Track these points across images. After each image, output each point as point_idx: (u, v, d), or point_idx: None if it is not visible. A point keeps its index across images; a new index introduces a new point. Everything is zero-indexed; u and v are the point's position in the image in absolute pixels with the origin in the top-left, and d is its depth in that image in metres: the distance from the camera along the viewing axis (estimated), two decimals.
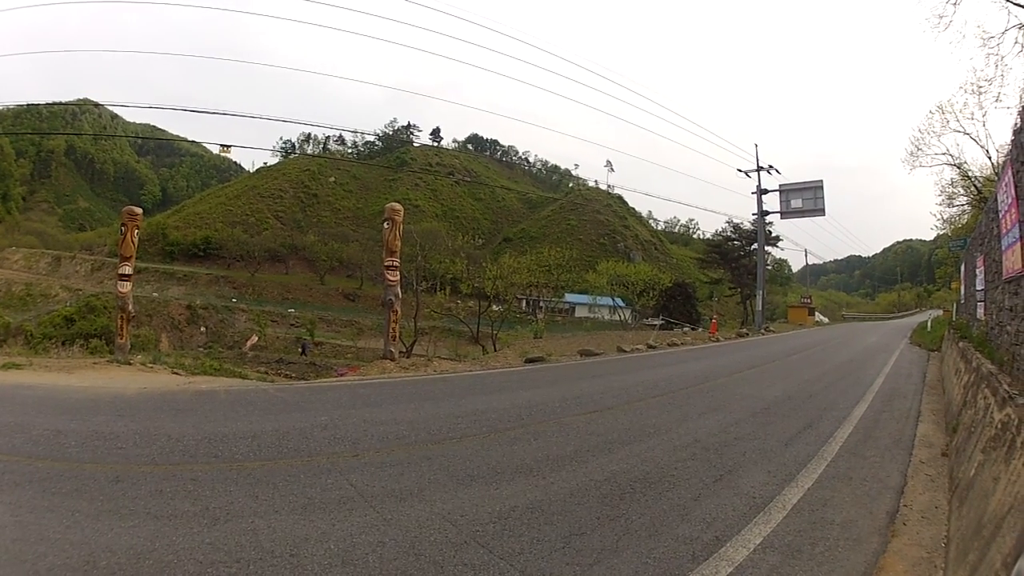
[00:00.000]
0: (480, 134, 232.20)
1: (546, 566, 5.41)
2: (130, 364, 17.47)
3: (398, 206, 21.79)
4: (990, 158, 40.20)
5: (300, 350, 65.51)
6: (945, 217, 50.35)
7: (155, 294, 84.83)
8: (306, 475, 7.62)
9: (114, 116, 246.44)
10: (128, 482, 7.10)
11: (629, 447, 9.68)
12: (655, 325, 55.15)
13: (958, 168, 44.44)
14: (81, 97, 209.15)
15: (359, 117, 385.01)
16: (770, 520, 6.74)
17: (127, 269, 19.30)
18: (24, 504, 6.40)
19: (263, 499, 6.72)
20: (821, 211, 56.77)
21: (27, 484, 6.98)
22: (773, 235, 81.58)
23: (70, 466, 7.67)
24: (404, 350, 27.24)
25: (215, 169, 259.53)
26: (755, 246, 72.00)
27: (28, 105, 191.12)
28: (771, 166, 58.10)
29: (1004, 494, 4.75)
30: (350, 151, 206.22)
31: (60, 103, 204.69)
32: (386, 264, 20.83)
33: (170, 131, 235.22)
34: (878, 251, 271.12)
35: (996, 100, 39.30)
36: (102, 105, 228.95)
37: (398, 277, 21.10)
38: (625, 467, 8.53)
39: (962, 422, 10.15)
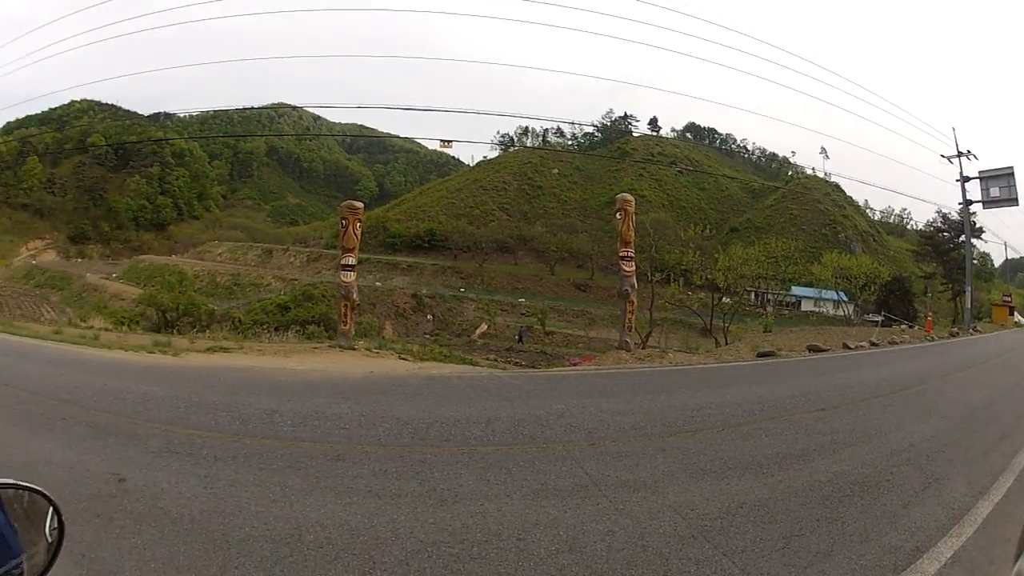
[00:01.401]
0: (697, 122, 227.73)
1: (765, 565, 5.47)
2: (354, 349, 18.23)
3: (629, 197, 21.98)
4: None
5: (517, 337, 66.70)
6: None
7: (378, 283, 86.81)
8: (540, 462, 7.80)
9: (316, 118, 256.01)
10: (349, 461, 7.42)
11: (851, 449, 9.69)
12: (876, 321, 53.29)
13: None
14: (276, 101, 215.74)
15: (574, 109, 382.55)
16: (962, 533, 6.62)
17: (351, 260, 20.03)
18: (223, 478, 6.73)
19: (494, 483, 6.91)
20: (1015, 200, 53.45)
21: (229, 459, 7.35)
22: (977, 226, 78.54)
23: (283, 444, 8.08)
24: (639, 341, 27.33)
25: (432, 164, 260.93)
26: (962, 238, 69.57)
27: (215, 111, 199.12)
28: (969, 151, 55.56)
29: None
30: (570, 143, 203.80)
31: (252, 108, 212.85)
32: (621, 255, 20.97)
33: (379, 129, 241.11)
34: None
35: None
36: (300, 107, 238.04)
37: (634, 268, 21.20)
38: (846, 468, 8.52)
39: None
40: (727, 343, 32.28)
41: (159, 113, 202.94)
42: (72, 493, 6.25)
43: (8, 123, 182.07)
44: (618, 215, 21.18)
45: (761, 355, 21.77)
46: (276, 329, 31.13)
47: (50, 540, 2.18)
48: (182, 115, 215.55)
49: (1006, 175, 53.65)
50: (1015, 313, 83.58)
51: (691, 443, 9.15)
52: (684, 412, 11.30)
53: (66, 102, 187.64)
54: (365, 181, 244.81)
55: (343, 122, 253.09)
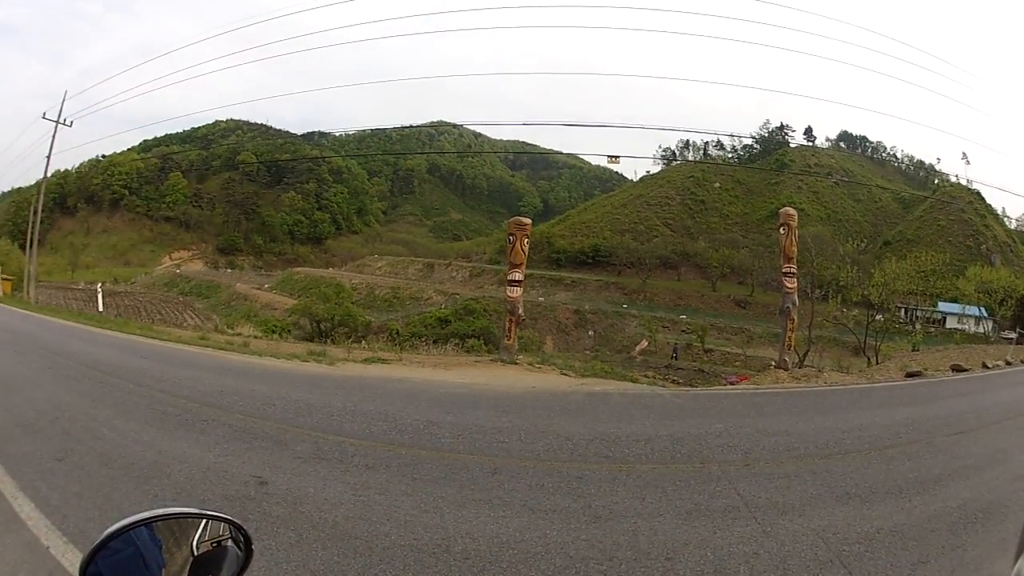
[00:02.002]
0: (849, 131, 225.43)
1: None
2: (516, 364, 18.41)
3: (792, 211, 21.99)
4: None
5: (672, 354, 66.28)
6: None
7: (541, 298, 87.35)
8: (696, 481, 7.88)
9: (477, 135, 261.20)
10: (506, 474, 7.55)
11: (981, 473, 9.59)
12: (1011, 339, 52.02)
13: None
14: (435, 119, 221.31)
15: (732, 120, 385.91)
16: None
17: (517, 275, 20.43)
18: (373, 486, 6.91)
19: (649, 501, 6.99)
20: None
21: (382, 468, 7.54)
22: None
23: (439, 455, 8.27)
24: (797, 360, 27.29)
25: (596, 180, 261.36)
26: None
27: (373, 130, 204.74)
28: None
29: None
30: (729, 155, 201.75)
31: (411, 126, 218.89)
32: (783, 271, 21.08)
33: (541, 145, 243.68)
34: None
35: None
36: (461, 125, 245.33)
37: (795, 285, 21.23)
38: (975, 495, 8.39)
39: None
40: (878, 362, 31.82)
41: (313, 132, 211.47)
42: (207, 493, 6.54)
43: (146, 141, 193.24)
44: (781, 230, 21.28)
45: (909, 375, 21.53)
46: (435, 342, 31.78)
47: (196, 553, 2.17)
48: (338, 134, 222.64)
49: None
50: None
51: (840, 465, 9.14)
52: (836, 434, 11.28)
53: (210, 122, 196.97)
54: (529, 197, 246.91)
55: (505, 139, 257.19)
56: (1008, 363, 28.06)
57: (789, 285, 20.54)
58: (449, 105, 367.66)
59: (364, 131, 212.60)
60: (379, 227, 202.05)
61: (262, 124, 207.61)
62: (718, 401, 15.16)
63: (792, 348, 22.03)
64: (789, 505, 7.22)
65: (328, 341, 32.05)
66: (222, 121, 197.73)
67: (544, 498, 6.78)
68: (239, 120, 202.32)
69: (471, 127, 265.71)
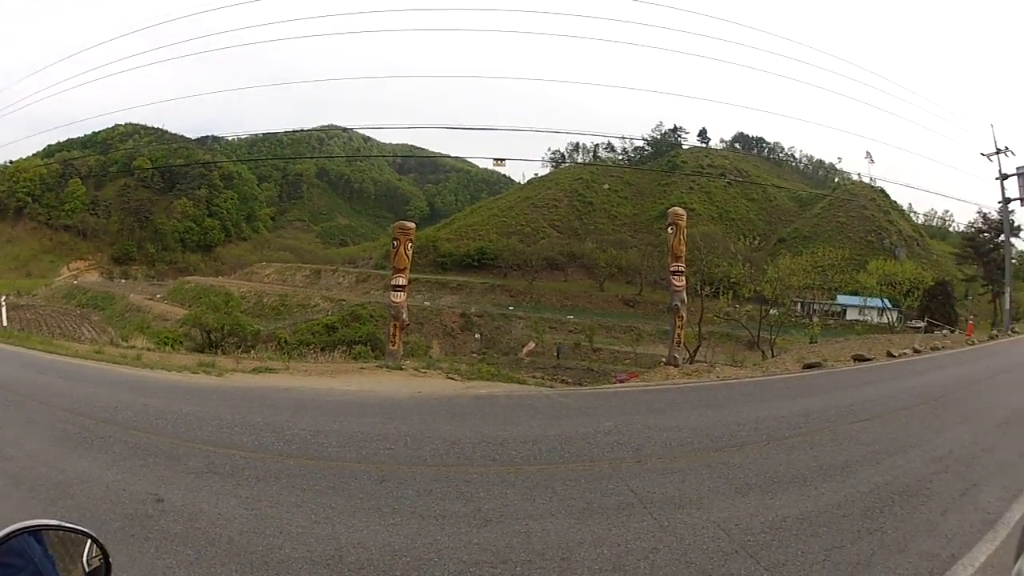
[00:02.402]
0: (745, 132, 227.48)
1: None
2: (401, 369, 18.16)
3: (681, 211, 22.02)
4: None
5: (556, 353, 67.03)
6: None
7: (427, 303, 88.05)
8: (587, 480, 7.87)
9: (367, 139, 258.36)
10: (394, 482, 7.48)
11: (893, 458, 9.73)
12: (919, 328, 53.65)
13: None
14: (326, 124, 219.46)
15: (624, 123, 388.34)
16: (996, 537, 6.66)
17: (401, 280, 20.12)
18: (265, 498, 6.84)
19: (539, 502, 6.98)
20: None
21: (272, 480, 7.46)
22: (1016, 224, 77.91)
23: (328, 464, 8.16)
24: (687, 356, 27.35)
25: (484, 183, 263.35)
26: (1002, 237, 69.06)
27: (264, 134, 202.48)
28: (1007, 148, 54.91)
29: None
30: (620, 157, 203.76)
31: (302, 130, 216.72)
32: (671, 269, 21.04)
33: (429, 149, 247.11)
34: None
35: None
36: (350, 129, 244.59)
37: (684, 282, 21.25)
38: (888, 479, 8.58)
39: None
40: (773, 355, 32.23)
41: (207, 136, 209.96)
42: (108, 513, 6.40)
43: (49, 146, 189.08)
44: (670, 229, 21.22)
45: (807, 367, 21.73)
46: (322, 349, 31.52)
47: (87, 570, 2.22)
48: (230, 138, 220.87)
49: None
50: None
51: (736, 458, 9.23)
52: (730, 427, 11.34)
53: (110, 126, 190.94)
54: (416, 201, 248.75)
55: (394, 143, 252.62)
56: (916, 351, 28.60)
57: (677, 283, 20.66)
58: (339, 109, 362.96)
59: (256, 135, 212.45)
60: (267, 233, 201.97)
61: (158, 128, 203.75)
62: (606, 399, 15.22)
63: (682, 344, 22.27)
64: (686, 499, 7.31)
65: (218, 351, 31.61)
66: (121, 125, 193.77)
67: (433, 504, 6.79)
68: (137, 124, 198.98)
69: (361, 131, 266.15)
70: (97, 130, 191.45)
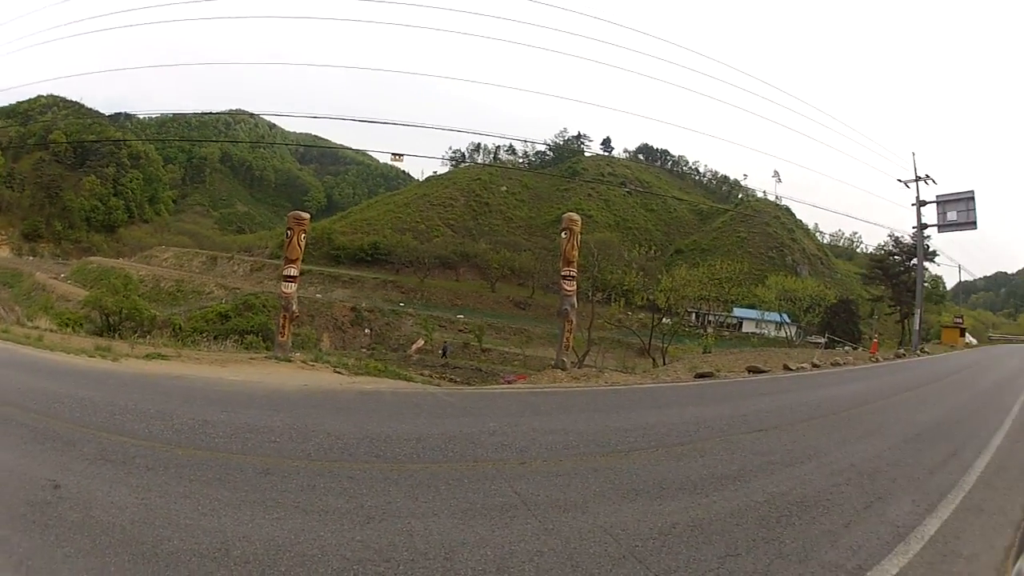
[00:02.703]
0: (650, 143, 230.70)
1: None
2: (290, 361, 18.05)
3: (576, 216, 21.94)
4: None
5: (442, 352, 66.93)
6: None
7: (319, 295, 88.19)
8: (470, 480, 7.72)
9: (272, 126, 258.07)
10: (278, 475, 7.31)
11: (790, 469, 9.70)
12: (819, 343, 55.34)
13: None
14: (234, 108, 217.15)
15: (527, 127, 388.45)
16: (908, 551, 6.66)
17: (292, 271, 20.08)
18: (154, 488, 6.64)
19: (423, 501, 6.82)
20: (973, 224, 54.59)
21: (161, 469, 7.24)
22: (930, 250, 79.96)
23: (215, 455, 7.96)
24: (576, 360, 27.31)
25: (382, 178, 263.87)
26: (914, 261, 70.66)
27: (174, 115, 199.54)
28: (928, 176, 56.74)
29: None
30: (520, 160, 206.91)
31: (210, 112, 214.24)
32: (563, 274, 21.03)
33: (331, 140, 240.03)
34: (1022, 267, 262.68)
35: None
36: (257, 115, 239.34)
37: (575, 287, 21.23)
38: (784, 489, 8.52)
39: None
40: (665, 363, 32.57)
41: (119, 113, 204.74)
42: (13, 498, 6.26)
43: None
44: (564, 234, 21.24)
45: (699, 376, 21.76)
46: (215, 338, 31.43)
47: None
48: (142, 116, 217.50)
49: (965, 199, 54.67)
50: (967, 335, 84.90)
51: (624, 463, 9.11)
52: (618, 432, 11.24)
53: (32, 96, 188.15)
54: (314, 192, 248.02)
55: (297, 131, 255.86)
56: (815, 365, 29.05)
57: (568, 288, 20.74)
58: (249, 94, 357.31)
59: (166, 115, 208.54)
60: (168, 217, 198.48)
61: (76, 102, 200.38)
62: (492, 400, 15.19)
63: (570, 349, 22.37)
64: (571, 503, 7.15)
65: (116, 335, 31.21)
66: (43, 96, 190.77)
67: (316, 499, 6.67)
68: (57, 96, 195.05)
69: (267, 117, 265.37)
70: (20, 100, 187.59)
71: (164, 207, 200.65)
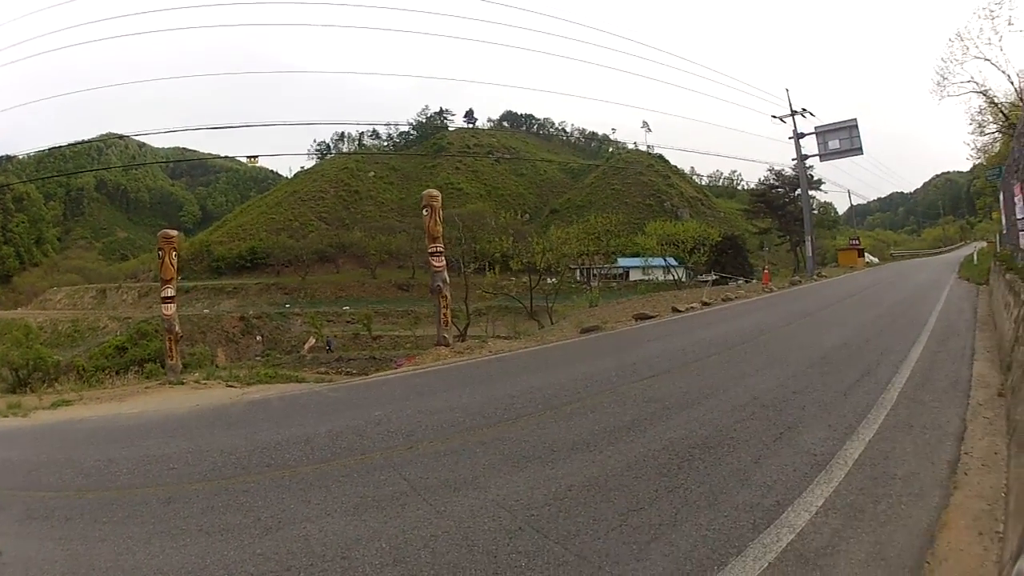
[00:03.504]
0: (514, 110, 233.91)
1: (603, 546, 5.31)
2: (183, 383, 17.66)
3: (435, 192, 21.90)
4: (1012, 83, 39.43)
5: (327, 347, 67.02)
6: (978, 146, 49.40)
7: (206, 310, 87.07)
8: (359, 474, 7.62)
9: (141, 145, 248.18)
10: (180, 502, 7.19)
11: (687, 411, 9.57)
12: (708, 281, 54.85)
13: (984, 95, 43.41)
14: (104, 132, 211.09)
15: (390, 110, 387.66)
16: (832, 479, 6.56)
17: (169, 291, 19.80)
18: (75, 537, 6.50)
19: (315, 503, 6.74)
20: (859, 150, 56.68)
21: (78, 517, 7.07)
22: (815, 179, 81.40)
23: (121, 493, 7.79)
24: (458, 334, 27.21)
25: (252, 181, 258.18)
26: (799, 192, 72.11)
27: (50, 149, 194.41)
28: (805, 109, 57.93)
29: None
30: (386, 144, 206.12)
31: (83, 141, 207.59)
32: (430, 251, 21.04)
33: (201, 151, 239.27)
34: (919, 186, 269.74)
35: (1008, 24, 38.70)
36: (127, 136, 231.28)
37: (444, 262, 21.17)
38: (683, 433, 8.39)
39: (1016, 359, 9.60)
40: (552, 323, 32.71)
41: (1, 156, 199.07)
42: None
43: None
44: (425, 211, 21.24)
45: (585, 330, 22.01)
46: (117, 372, 30.70)
47: None
48: (21, 157, 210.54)
49: (848, 127, 56.77)
50: (866, 255, 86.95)
51: (512, 432, 9.05)
52: (504, 400, 11.20)
53: None
54: (188, 206, 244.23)
55: (167, 147, 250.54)
56: (706, 304, 29.62)
57: (437, 264, 20.81)
58: (117, 116, 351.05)
59: (43, 151, 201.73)
60: (55, 256, 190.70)
61: None
62: (377, 388, 14.99)
63: (450, 324, 22.45)
64: (461, 481, 7.10)
65: (28, 389, 30.67)
66: None
67: (216, 518, 6.59)
68: None
69: (136, 137, 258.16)
70: None
71: (51, 246, 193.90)
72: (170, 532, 6.32)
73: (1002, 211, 29.79)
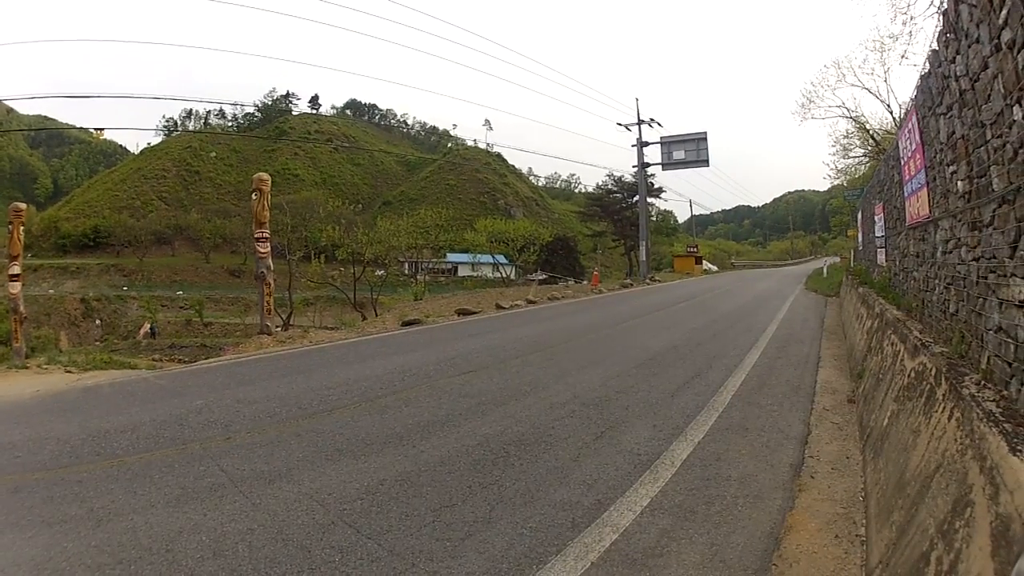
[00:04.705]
0: (358, 99, 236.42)
1: (415, 543, 5.33)
2: (27, 368, 17.08)
3: (265, 176, 21.78)
4: (891, 112, 40.46)
5: (150, 333, 66.27)
6: (840, 167, 50.63)
7: (51, 291, 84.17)
8: (180, 464, 7.51)
9: (9, 111, 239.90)
10: (26, 492, 6.95)
11: (503, 407, 9.65)
12: (536, 280, 55.57)
13: (855, 120, 44.66)
14: None
15: (241, 90, 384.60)
16: (658, 479, 6.63)
17: (16, 269, 19.23)
18: None
19: (141, 494, 6.62)
20: (705, 162, 58.58)
21: None
22: (656, 187, 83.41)
23: None
24: (282, 323, 26.98)
25: (103, 155, 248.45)
26: (637, 198, 73.12)
27: None
28: (652, 119, 59.70)
29: (928, 449, 4.56)
30: (231, 124, 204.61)
31: None
32: (256, 236, 20.62)
33: (59, 120, 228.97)
34: (768, 201, 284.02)
35: (903, 57, 39.95)
36: None
37: (269, 249, 20.90)
38: (499, 429, 8.49)
39: (868, 368, 10.05)
40: (376, 315, 32.54)
41: None
42: None
43: None
44: (254, 195, 21.01)
45: (406, 323, 22.37)
46: None
47: None
48: None
49: (696, 139, 58.89)
50: (703, 262, 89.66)
51: (326, 424, 9.03)
52: (320, 391, 11.23)
53: None
54: (42, 178, 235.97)
55: (31, 114, 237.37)
56: (531, 302, 30.25)
57: (262, 250, 20.54)
58: None
59: None
60: None
61: None
62: (201, 376, 14.57)
63: (273, 312, 22.23)
64: (276, 473, 7.05)
65: None
66: None
67: (56, 509, 6.38)
68: None
69: (6, 101, 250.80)
70: None
71: None
72: (19, 524, 6.11)
73: (859, 229, 30.74)
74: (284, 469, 7.11)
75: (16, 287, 19.02)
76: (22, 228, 19.58)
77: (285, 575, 4.85)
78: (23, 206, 20.34)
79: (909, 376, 6.51)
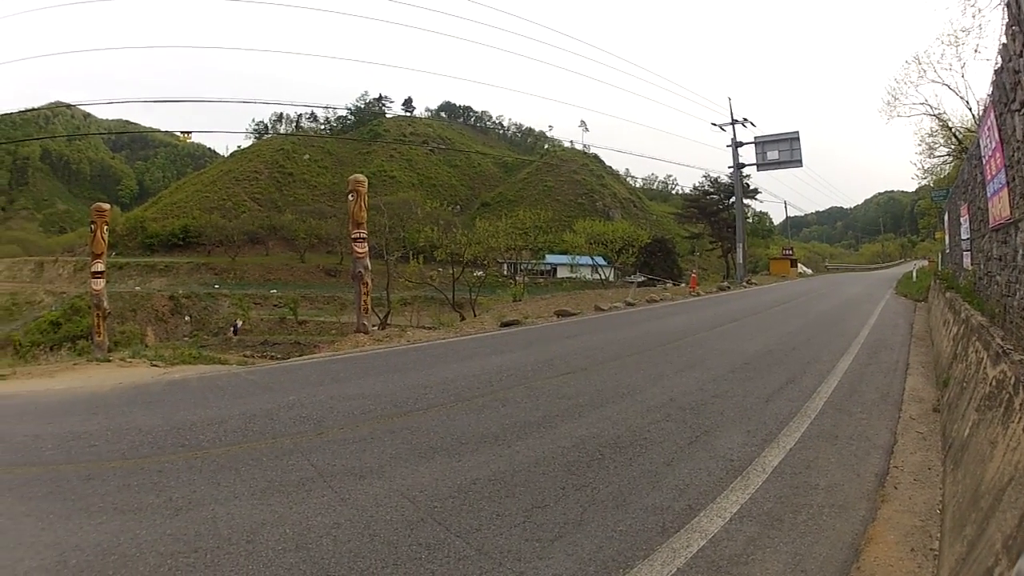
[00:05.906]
0: (453, 101, 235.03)
1: (504, 543, 5.33)
2: (109, 361, 17.42)
3: (361, 177, 21.92)
4: (970, 109, 39.40)
5: (232, 331, 68.10)
6: (926, 167, 49.20)
7: (137, 288, 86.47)
8: (268, 458, 7.60)
9: (87, 115, 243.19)
10: (99, 479, 7.12)
11: (600, 410, 9.56)
12: (635, 282, 54.67)
13: (938, 118, 43.44)
14: (52, 101, 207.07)
15: (331, 93, 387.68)
16: (748, 486, 6.55)
17: (99, 266, 19.67)
18: (3, 512, 6.44)
19: (224, 485, 6.72)
20: (798, 162, 57.67)
21: (6, 492, 7.01)
22: (751, 188, 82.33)
23: (46, 469, 7.71)
24: (379, 322, 27.08)
25: (190, 157, 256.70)
26: (733, 199, 72.96)
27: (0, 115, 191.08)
28: (745, 119, 58.97)
29: (1003, 462, 4.44)
30: (323, 127, 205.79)
31: (32, 108, 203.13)
32: (353, 236, 20.88)
33: (142, 124, 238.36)
34: (859, 202, 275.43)
35: (975, 51, 39.15)
36: (74, 106, 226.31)
37: (366, 249, 21.08)
38: (594, 432, 8.40)
39: (953, 376, 9.79)
40: (475, 316, 32.74)
41: None
42: None
43: None
44: (350, 196, 21.28)
45: (505, 324, 22.48)
46: (52, 348, 30.35)
47: None
48: None
49: (789, 139, 57.85)
50: (798, 265, 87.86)
51: (421, 422, 9.05)
52: (416, 390, 11.21)
53: None
54: (127, 180, 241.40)
55: (111, 119, 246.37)
56: (630, 304, 29.87)
57: (359, 250, 20.75)
58: (68, 84, 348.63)
59: None
60: None
61: None
62: (294, 373, 14.80)
63: (370, 311, 22.37)
64: (367, 469, 7.09)
65: None
66: None
67: (131, 498, 6.52)
68: None
69: (82, 107, 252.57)
70: None
71: None
72: (88, 509, 6.27)
73: (946, 231, 30.09)
74: (376, 465, 7.17)
75: (99, 284, 19.41)
76: (106, 227, 19.98)
77: (369, 569, 4.89)
78: (106, 206, 20.80)
79: (991, 385, 6.37)
